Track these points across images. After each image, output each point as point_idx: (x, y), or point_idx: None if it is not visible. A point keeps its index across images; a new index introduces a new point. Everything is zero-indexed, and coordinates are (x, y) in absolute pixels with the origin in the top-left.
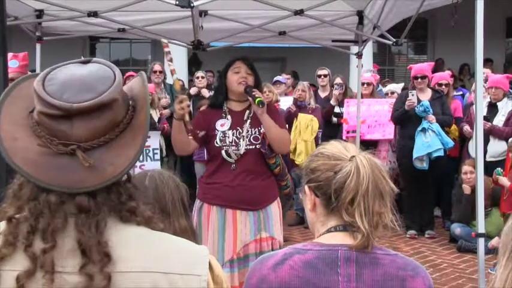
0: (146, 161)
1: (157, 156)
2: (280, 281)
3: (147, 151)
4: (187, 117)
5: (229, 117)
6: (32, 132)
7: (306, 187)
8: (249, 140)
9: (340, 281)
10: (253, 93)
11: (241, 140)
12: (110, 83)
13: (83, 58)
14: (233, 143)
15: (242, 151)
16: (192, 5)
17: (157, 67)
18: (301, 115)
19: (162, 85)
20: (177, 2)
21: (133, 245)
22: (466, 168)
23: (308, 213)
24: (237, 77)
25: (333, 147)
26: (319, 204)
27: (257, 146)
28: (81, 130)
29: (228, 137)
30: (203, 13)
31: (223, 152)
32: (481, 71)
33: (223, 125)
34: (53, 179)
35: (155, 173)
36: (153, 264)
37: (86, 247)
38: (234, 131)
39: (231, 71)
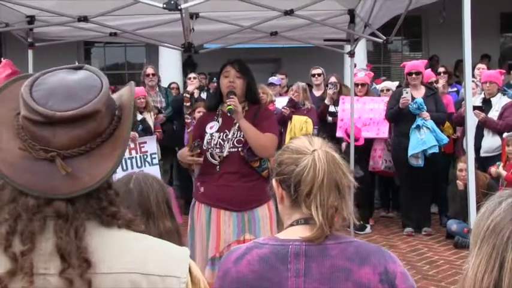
0: (145, 166)
1: (156, 161)
2: (239, 275)
3: (145, 157)
4: (193, 167)
5: (220, 119)
6: (16, 135)
7: (274, 180)
8: (233, 143)
9: (289, 276)
10: (228, 100)
11: (225, 142)
12: (96, 93)
13: (77, 64)
14: (217, 145)
15: (225, 154)
16: (179, 7)
17: (149, 70)
18: (295, 117)
19: (157, 88)
20: (165, 5)
21: (114, 248)
22: (461, 165)
23: (278, 206)
24: (226, 81)
25: (299, 141)
26: (285, 197)
27: (239, 149)
28: (62, 138)
29: (214, 139)
30: (194, 15)
31: (208, 153)
32: (469, 68)
33: (212, 127)
34: (28, 183)
35: (140, 176)
36: (133, 265)
37: (65, 252)
38: (221, 133)
39: (222, 75)
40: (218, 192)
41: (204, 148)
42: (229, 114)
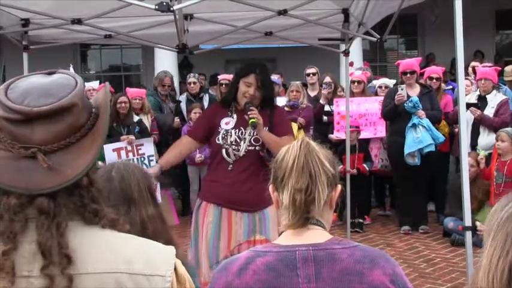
0: None
1: (153, 163)
2: (245, 286)
3: (142, 159)
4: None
5: (235, 116)
6: None
7: (270, 186)
8: (250, 142)
9: (301, 282)
10: (249, 112)
11: (242, 141)
12: (71, 89)
13: (72, 67)
14: (234, 143)
15: (242, 153)
16: (171, 9)
17: (167, 80)
18: None
19: (168, 96)
20: (157, 7)
21: (98, 247)
22: (470, 160)
23: (277, 212)
24: (244, 90)
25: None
26: (279, 200)
27: (257, 148)
28: (41, 134)
29: (231, 136)
30: (189, 16)
31: (223, 150)
32: (462, 66)
33: (228, 123)
34: (12, 181)
35: (121, 164)
36: (118, 265)
37: (45, 248)
38: (237, 130)
39: (243, 81)
40: (230, 192)
41: (219, 143)
42: (252, 128)
